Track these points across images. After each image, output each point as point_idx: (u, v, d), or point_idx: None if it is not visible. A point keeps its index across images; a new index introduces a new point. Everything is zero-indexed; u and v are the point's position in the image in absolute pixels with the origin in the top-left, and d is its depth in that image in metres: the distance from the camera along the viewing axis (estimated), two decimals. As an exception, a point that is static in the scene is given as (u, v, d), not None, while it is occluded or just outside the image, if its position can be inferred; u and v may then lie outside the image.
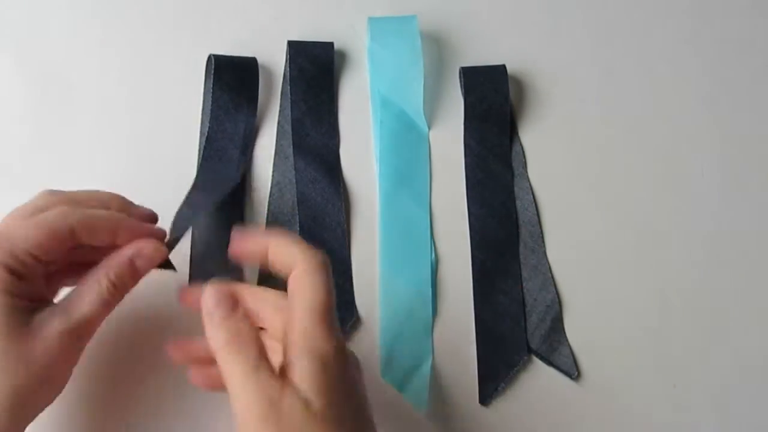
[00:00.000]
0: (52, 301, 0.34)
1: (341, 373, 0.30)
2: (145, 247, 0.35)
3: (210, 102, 0.45)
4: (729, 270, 0.44)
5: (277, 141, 0.46)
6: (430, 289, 0.43)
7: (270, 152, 0.46)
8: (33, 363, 0.31)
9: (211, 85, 0.46)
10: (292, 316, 0.30)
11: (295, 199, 0.44)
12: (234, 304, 0.31)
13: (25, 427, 0.32)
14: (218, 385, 0.32)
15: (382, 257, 0.43)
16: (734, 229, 0.46)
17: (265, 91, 0.47)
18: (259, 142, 0.46)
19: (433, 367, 0.41)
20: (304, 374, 0.29)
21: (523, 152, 0.47)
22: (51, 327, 0.32)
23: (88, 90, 0.47)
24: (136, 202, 0.41)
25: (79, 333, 0.33)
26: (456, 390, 0.41)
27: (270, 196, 0.44)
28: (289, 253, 0.32)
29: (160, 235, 0.36)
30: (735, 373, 0.42)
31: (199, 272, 0.41)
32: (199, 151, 0.45)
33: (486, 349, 0.42)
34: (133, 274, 0.34)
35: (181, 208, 0.38)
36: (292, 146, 0.45)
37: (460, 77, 0.48)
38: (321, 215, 0.44)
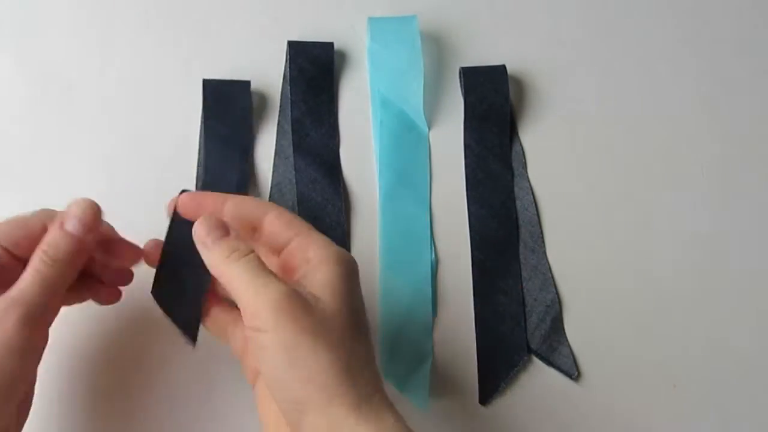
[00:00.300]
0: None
1: (352, 283, 0.32)
2: (73, 207, 0.33)
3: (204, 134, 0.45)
4: (729, 269, 0.44)
5: (277, 141, 0.46)
6: (430, 289, 0.43)
7: (270, 152, 0.46)
8: None
9: (203, 121, 0.45)
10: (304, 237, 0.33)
11: (295, 199, 0.44)
12: (225, 229, 0.32)
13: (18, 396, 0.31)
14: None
15: (382, 257, 0.43)
16: (734, 228, 0.46)
17: (265, 91, 0.47)
18: (260, 141, 0.46)
19: (433, 367, 0.41)
20: (320, 279, 0.31)
21: (523, 152, 0.47)
22: (6, 318, 0.30)
23: (88, 90, 0.47)
24: (135, 204, 0.41)
25: (33, 320, 0.31)
26: (456, 390, 0.41)
27: (270, 196, 0.44)
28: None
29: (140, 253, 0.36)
30: (735, 373, 0.42)
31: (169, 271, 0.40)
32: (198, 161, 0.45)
33: (486, 349, 0.42)
34: (68, 241, 0.32)
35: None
36: (292, 146, 0.45)
37: (460, 77, 0.48)
38: (321, 215, 0.44)
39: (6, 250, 0.32)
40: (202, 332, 0.35)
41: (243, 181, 0.44)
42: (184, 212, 0.34)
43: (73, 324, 0.40)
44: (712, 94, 0.49)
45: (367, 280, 0.43)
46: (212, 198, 0.34)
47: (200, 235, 0.32)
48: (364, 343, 0.31)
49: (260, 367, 0.30)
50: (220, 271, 0.31)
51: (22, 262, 0.32)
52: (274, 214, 0.33)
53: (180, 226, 0.36)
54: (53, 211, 0.34)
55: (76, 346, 0.40)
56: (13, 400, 0.31)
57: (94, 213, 0.33)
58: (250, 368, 0.34)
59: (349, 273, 0.32)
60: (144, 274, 0.37)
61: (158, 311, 0.36)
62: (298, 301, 0.29)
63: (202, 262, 0.32)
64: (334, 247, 0.32)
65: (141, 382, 0.40)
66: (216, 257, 0.31)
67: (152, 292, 0.36)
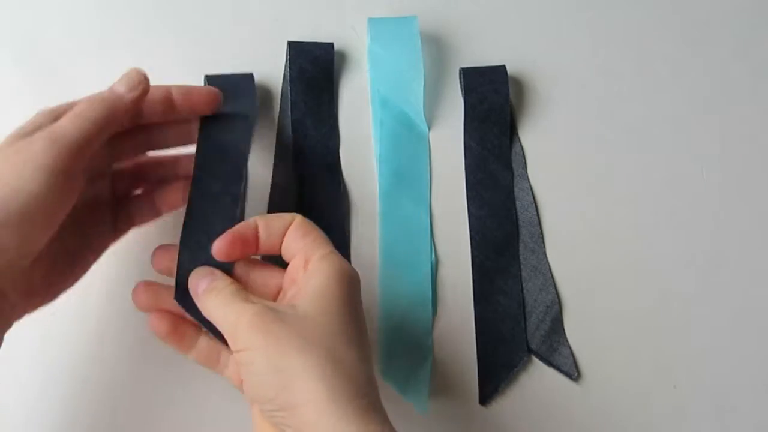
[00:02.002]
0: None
1: (344, 291, 0.32)
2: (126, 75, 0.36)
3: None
4: (729, 270, 0.45)
5: (277, 141, 0.46)
6: (430, 290, 0.43)
7: (270, 153, 0.46)
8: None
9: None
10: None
11: (296, 199, 0.44)
12: (210, 274, 0.34)
13: (38, 237, 0.32)
14: (175, 335, 0.35)
15: (382, 257, 0.43)
16: (734, 229, 0.46)
17: (265, 91, 0.47)
18: (259, 142, 0.46)
19: (433, 368, 0.41)
20: (311, 286, 0.32)
21: (523, 153, 0.47)
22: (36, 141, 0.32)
23: (88, 90, 0.47)
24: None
25: (66, 147, 0.32)
26: (456, 390, 0.41)
27: (270, 196, 0.44)
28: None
29: (216, 96, 0.39)
30: (735, 374, 0.42)
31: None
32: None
33: (486, 350, 0.42)
34: (111, 96, 0.36)
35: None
36: (292, 146, 0.45)
37: (460, 78, 0.48)
38: (321, 215, 0.44)
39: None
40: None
41: (238, 171, 0.44)
42: (228, 255, 0.34)
43: (76, 326, 0.40)
44: (712, 94, 0.49)
45: (367, 280, 0.43)
46: (245, 229, 0.35)
47: (192, 289, 0.34)
48: (355, 348, 0.31)
49: (244, 385, 0.32)
50: (206, 311, 0.33)
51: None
52: (295, 224, 0.34)
53: (195, 225, 0.38)
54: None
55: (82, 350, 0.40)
56: (40, 227, 0.31)
57: (138, 75, 0.36)
58: (247, 394, 0.34)
59: (343, 281, 0.32)
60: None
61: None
62: (270, 315, 0.30)
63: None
64: (334, 257, 0.33)
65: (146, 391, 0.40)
66: (202, 301, 0.33)
67: (175, 297, 0.36)
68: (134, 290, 0.37)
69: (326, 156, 0.46)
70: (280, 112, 0.47)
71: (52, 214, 0.32)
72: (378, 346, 0.41)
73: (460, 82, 0.48)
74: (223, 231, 0.36)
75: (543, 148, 0.47)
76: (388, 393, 0.40)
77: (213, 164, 0.41)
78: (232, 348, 0.31)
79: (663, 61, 0.50)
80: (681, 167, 0.47)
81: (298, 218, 0.35)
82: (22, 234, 0.30)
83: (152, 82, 0.47)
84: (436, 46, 0.49)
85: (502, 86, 0.47)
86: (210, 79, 0.45)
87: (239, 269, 0.35)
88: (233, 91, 0.44)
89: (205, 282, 0.34)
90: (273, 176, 0.45)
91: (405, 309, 0.42)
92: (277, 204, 0.44)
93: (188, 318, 0.35)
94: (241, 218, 0.40)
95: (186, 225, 0.38)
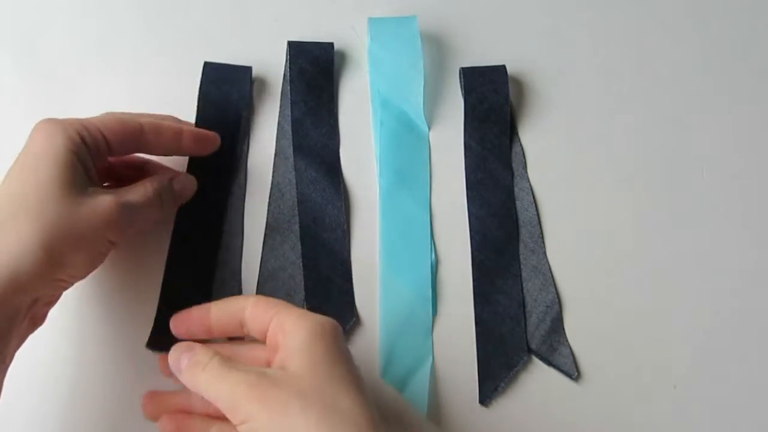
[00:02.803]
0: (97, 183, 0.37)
1: (326, 341, 0.32)
2: (182, 174, 0.41)
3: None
4: (729, 269, 0.44)
5: (277, 141, 0.46)
6: (430, 290, 0.43)
7: (270, 153, 0.46)
8: (77, 217, 0.33)
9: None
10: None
11: (295, 199, 0.44)
12: (191, 349, 0.34)
13: (55, 282, 0.34)
14: None
15: (382, 258, 0.43)
16: (735, 229, 0.46)
17: (265, 91, 0.47)
18: (259, 141, 0.46)
19: (433, 368, 0.41)
20: (293, 346, 0.32)
21: (523, 152, 0.47)
22: (103, 197, 0.35)
23: (88, 90, 0.47)
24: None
25: (126, 211, 0.35)
26: (456, 390, 0.41)
27: (270, 196, 0.44)
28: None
29: (214, 139, 0.42)
30: (735, 374, 0.42)
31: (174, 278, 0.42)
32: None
33: (486, 350, 0.42)
34: (171, 190, 0.40)
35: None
36: (292, 147, 0.45)
37: (460, 78, 0.48)
38: (321, 216, 0.44)
39: (101, 132, 0.36)
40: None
41: (233, 155, 0.45)
42: (177, 333, 0.36)
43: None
44: (712, 94, 0.49)
45: (368, 280, 0.43)
46: (197, 311, 0.36)
47: (173, 366, 0.34)
48: (353, 393, 0.31)
49: None
50: (196, 388, 0.33)
51: (107, 151, 0.36)
52: (252, 302, 0.35)
53: (175, 273, 0.41)
54: (151, 116, 0.40)
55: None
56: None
57: (192, 187, 0.41)
58: None
59: (322, 333, 0.32)
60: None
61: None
62: (265, 381, 0.31)
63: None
64: (308, 315, 0.33)
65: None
66: (188, 378, 0.33)
67: (147, 345, 0.40)
68: (142, 403, 0.37)
69: (326, 156, 0.46)
70: (280, 111, 0.47)
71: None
72: (378, 346, 0.41)
73: (460, 82, 0.48)
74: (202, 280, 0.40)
75: (543, 148, 0.47)
76: (388, 393, 0.40)
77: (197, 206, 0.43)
78: (232, 420, 0.31)
79: (663, 61, 0.50)
80: (681, 167, 0.47)
81: (256, 297, 0.35)
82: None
83: (152, 83, 0.47)
84: (436, 46, 0.49)
85: (502, 86, 0.47)
86: (208, 66, 0.46)
87: (226, 349, 0.35)
88: (228, 81, 0.45)
89: (186, 357, 0.33)
90: (273, 176, 0.45)
91: (405, 309, 0.42)
92: (277, 204, 0.44)
93: (195, 413, 0.36)
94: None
95: (167, 269, 0.41)
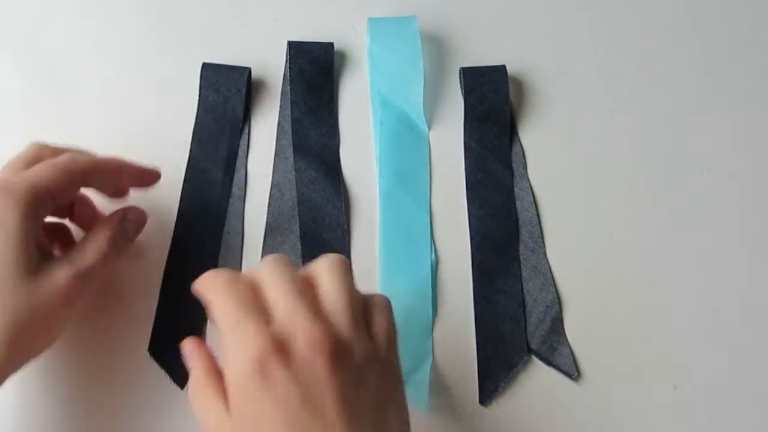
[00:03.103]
0: (53, 253, 0.36)
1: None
2: (131, 210, 0.39)
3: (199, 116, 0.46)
4: (729, 269, 0.44)
5: (277, 141, 0.46)
6: (430, 290, 0.43)
7: (270, 153, 0.46)
8: (37, 301, 0.33)
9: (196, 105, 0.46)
10: None
11: (295, 199, 0.44)
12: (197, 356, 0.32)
13: (20, 366, 0.34)
14: None
15: (382, 258, 0.43)
16: (735, 229, 0.45)
17: (265, 91, 0.47)
18: (259, 142, 0.46)
19: (433, 368, 0.41)
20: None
21: (523, 152, 0.47)
22: (58, 272, 0.34)
23: (88, 90, 0.47)
24: (135, 202, 0.42)
25: (83, 280, 0.35)
26: (456, 390, 0.41)
27: (270, 196, 0.44)
28: None
29: (156, 174, 0.40)
30: (735, 374, 0.42)
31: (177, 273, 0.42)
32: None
33: (486, 350, 0.42)
34: (124, 232, 0.38)
35: None
36: (292, 147, 0.45)
37: (460, 78, 0.48)
38: (321, 216, 0.44)
39: (48, 191, 0.34)
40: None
41: (232, 157, 0.45)
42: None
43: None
44: (712, 93, 0.49)
45: (368, 280, 0.43)
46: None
47: (186, 355, 0.32)
48: None
49: None
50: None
51: (52, 206, 0.35)
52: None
53: (175, 274, 0.41)
54: (52, 146, 0.37)
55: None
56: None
57: (144, 221, 0.40)
58: None
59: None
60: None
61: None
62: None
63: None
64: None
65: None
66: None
67: (149, 350, 0.39)
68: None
69: (326, 156, 0.46)
70: (280, 111, 0.47)
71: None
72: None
73: (460, 82, 0.48)
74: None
75: (543, 147, 0.47)
76: (388, 393, 0.40)
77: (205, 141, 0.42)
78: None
79: (663, 61, 0.50)
80: (681, 167, 0.47)
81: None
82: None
83: (152, 83, 0.47)
84: (436, 46, 0.49)
85: (502, 86, 0.47)
86: (206, 67, 0.46)
87: None
88: (227, 82, 0.45)
89: (190, 365, 0.31)
90: (273, 176, 0.45)
91: (405, 309, 0.42)
92: (276, 204, 0.44)
93: None
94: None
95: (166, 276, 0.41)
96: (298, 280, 0.31)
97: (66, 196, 0.36)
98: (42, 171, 0.35)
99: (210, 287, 0.31)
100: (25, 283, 0.33)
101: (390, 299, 0.33)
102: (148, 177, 0.40)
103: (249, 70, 0.46)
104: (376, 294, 0.33)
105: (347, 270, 0.32)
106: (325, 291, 0.31)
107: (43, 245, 0.35)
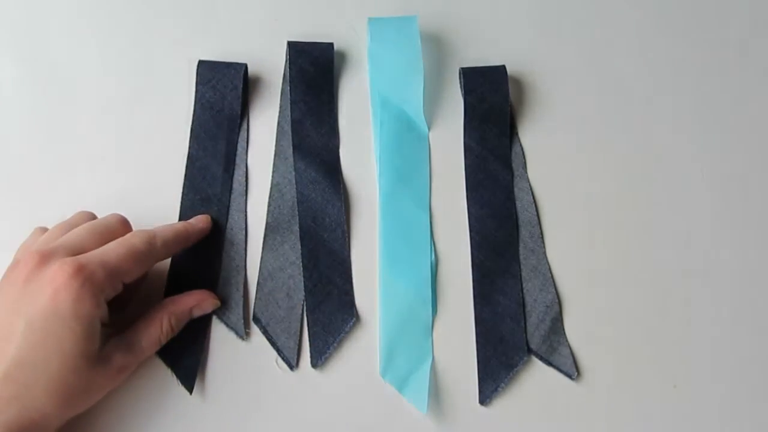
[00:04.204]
0: (109, 325, 0.36)
1: None
2: (205, 300, 0.40)
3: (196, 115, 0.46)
4: (729, 269, 0.44)
5: (276, 142, 0.46)
6: (430, 290, 0.43)
7: (270, 153, 0.46)
8: (94, 384, 0.35)
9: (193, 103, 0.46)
10: None
11: (295, 199, 0.44)
12: None
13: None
14: None
15: (382, 258, 0.43)
16: (734, 229, 0.45)
17: (265, 91, 0.47)
18: (259, 142, 0.46)
19: (433, 368, 0.41)
20: None
21: (523, 153, 0.47)
22: (116, 357, 0.35)
23: (88, 90, 0.47)
24: (137, 200, 0.42)
25: (136, 361, 0.37)
26: (456, 390, 0.41)
27: (270, 197, 0.44)
28: None
29: (207, 220, 0.42)
30: (735, 373, 0.42)
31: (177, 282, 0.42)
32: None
33: (486, 350, 0.42)
34: (187, 320, 0.39)
35: None
36: (292, 147, 0.45)
37: (460, 78, 0.48)
38: (321, 216, 0.44)
39: (124, 284, 0.36)
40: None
41: (231, 153, 0.45)
42: None
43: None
44: (712, 94, 0.49)
45: (367, 280, 0.43)
46: None
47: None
48: None
49: None
50: None
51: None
52: None
53: (180, 270, 0.41)
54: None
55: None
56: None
57: (215, 307, 0.41)
58: None
59: None
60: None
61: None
62: None
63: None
64: None
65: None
66: None
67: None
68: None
69: (326, 156, 0.46)
70: (279, 112, 0.47)
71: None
72: (378, 346, 0.41)
73: (460, 81, 0.48)
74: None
75: (543, 147, 0.47)
76: (388, 392, 0.40)
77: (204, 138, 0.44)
78: None
79: (663, 60, 0.50)
80: (680, 167, 0.47)
81: None
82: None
83: (153, 82, 0.47)
84: (436, 46, 0.49)
85: (502, 86, 0.47)
86: (202, 65, 0.46)
87: None
88: (223, 78, 0.45)
89: None
90: (273, 176, 0.45)
91: (405, 309, 0.42)
92: (276, 204, 0.44)
93: None
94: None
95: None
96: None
97: (136, 277, 0.37)
98: (117, 255, 0.35)
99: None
100: (87, 371, 0.34)
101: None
102: (207, 224, 0.42)
103: (245, 65, 0.46)
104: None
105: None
106: None
107: (105, 320, 0.35)
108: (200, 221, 0.42)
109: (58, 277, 0.33)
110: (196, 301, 0.39)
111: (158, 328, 0.37)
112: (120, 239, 0.36)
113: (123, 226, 0.38)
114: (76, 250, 0.35)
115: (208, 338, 0.41)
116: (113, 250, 0.35)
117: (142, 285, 0.40)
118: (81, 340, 0.33)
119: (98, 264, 0.34)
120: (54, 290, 0.33)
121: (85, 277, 0.33)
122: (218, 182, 0.44)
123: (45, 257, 0.34)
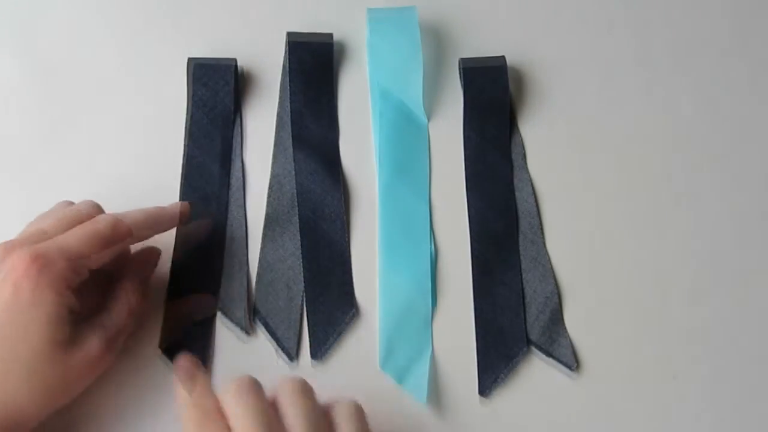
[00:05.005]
0: (79, 311, 0.35)
1: None
2: (151, 254, 0.40)
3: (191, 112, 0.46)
4: (729, 261, 0.44)
5: (276, 133, 0.46)
6: (430, 281, 0.43)
7: (269, 145, 0.46)
8: (70, 373, 0.34)
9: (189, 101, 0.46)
10: None
11: (295, 191, 0.44)
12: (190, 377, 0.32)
13: (45, 416, 0.34)
14: None
15: (381, 249, 0.43)
16: (734, 222, 0.45)
17: (264, 83, 0.47)
18: (258, 133, 0.46)
19: (433, 359, 0.41)
20: None
21: (523, 144, 0.47)
22: (90, 340, 0.35)
23: (88, 88, 0.47)
24: (137, 195, 0.42)
25: (114, 342, 0.36)
26: (455, 382, 0.41)
27: (269, 188, 0.44)
28: None
29: (186, 206, 0.41)
30: (735, 365, 0.42)
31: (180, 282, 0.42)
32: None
33: (485, 341, 0.42)
34: (150, 276, 0.40)
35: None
36: (291, 138, 0.45)
37: (459, 69, 0.48)
38: (320, 207, 0.44)
39: (86, 266, 0.35)
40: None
41: (227, 149, 0.45)
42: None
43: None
44: (711, 88, 0.49)
45: (367, 272, 0.43)
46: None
47: (178, 375, 0.33)
48: None
49: None
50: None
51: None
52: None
53: (182, 267, 0.41)
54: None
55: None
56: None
57: (158, 256, 0.41)
58: None
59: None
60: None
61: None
62: None
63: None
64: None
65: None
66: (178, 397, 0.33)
67: (159, 346, 0.39)
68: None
69: (325, 147, 0.46)
70: (279, 103, 0.47)
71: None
72: (378, 337, 0.41)
73: (460, 73, 0.48)
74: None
75: (542, 139, 0.47)
76: (387, 384, 0.40)
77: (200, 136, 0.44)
78: None
79: (662, 51, 0.50)
80: (680, 159, 0.47)
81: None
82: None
83: (153, 78, 0.47)
84: (435, 37, 0.49)
85: (502, 77, 0.47)
86: (192, 63, 0.46)
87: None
88: (215, 76, 0.45)
89: (181, 388, 0.32)
90: (272, 168, 0.45)
91: (405, 300, 0.42)
92: (276, 196, 0.44)
93: None
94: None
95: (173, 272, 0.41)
96: (264, 410, 0.31)
97: (102, 262, 0.36)
98: (78, 240, 0.34)
99: (186, 424, 0.31)
100: (59, 358, 0.33)
101: (361, 407, 0.33)
102: (178, 216, 0.40)
103: (234, 61, 0.46)
104: (344, 402, 0.33)
105: (306, 391, 0.32)
106: (286, 415, 0.31)
107: (74, 307, 0.34)
108: (175, 206, 0.40)
109: (17, 267, 0.32)
110: (148, 265, 0.40)
111: (123, 295, 0.37)
112: (83, 224, 0.35)
113: (94, 210, 0.37)
114: (41, 239, 0.34)
115: (212, 336, 0.41)
116: (73, 234, 0.34)
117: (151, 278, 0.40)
118: (45, 327, 0.32)
119: (56, 250, 0.33)
120: (14, 280, 0.32)
121: (42, 264, 0.32)
122: (216, 180, 0.44)
123: (8, 249, 0.33)
